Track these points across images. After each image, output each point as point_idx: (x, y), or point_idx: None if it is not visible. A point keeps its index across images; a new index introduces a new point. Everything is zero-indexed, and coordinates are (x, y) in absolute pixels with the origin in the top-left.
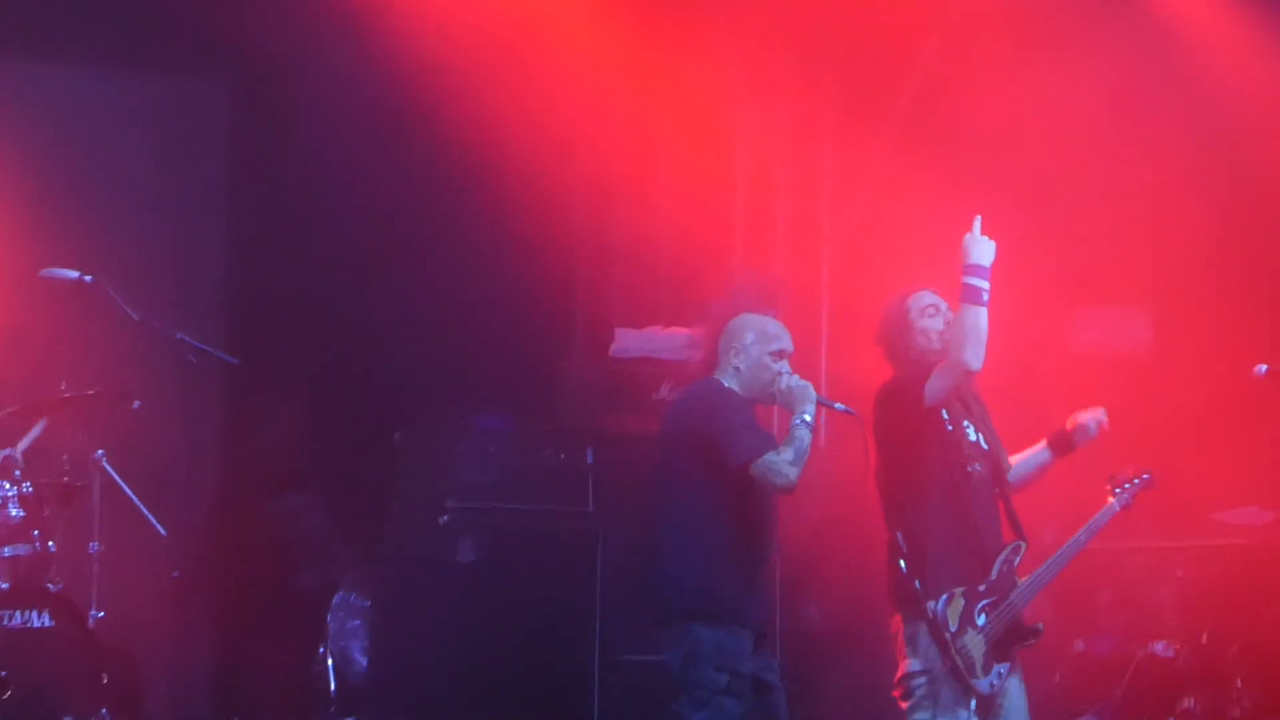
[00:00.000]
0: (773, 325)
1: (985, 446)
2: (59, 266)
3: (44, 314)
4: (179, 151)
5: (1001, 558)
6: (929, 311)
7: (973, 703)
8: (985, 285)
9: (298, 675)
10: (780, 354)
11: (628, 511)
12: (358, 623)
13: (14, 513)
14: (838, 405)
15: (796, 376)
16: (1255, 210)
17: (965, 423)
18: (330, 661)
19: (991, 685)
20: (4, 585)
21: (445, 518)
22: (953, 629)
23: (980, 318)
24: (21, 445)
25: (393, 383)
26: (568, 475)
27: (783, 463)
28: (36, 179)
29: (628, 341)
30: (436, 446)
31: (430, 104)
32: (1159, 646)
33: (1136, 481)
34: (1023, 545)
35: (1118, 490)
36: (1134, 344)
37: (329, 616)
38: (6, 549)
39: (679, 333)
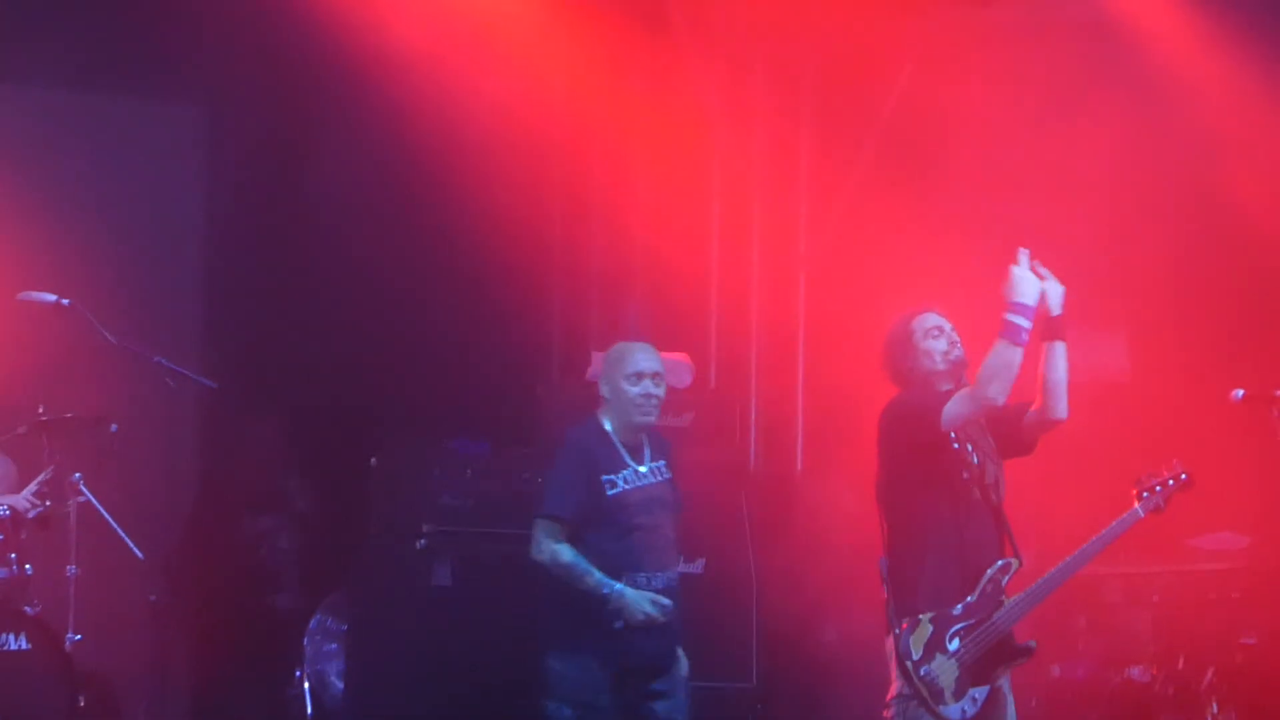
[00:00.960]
0: (626, 348)
1: (977, 461)
2: (36, 290)
3: (21, 337)
4: (157, 176)
5: (987, 577)
6: (933, 333)
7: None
8: (1026, 325)
9: (274, 698)
10: (635, 377)
11: None
12: (334, 646)
13: None
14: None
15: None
16: (1230, 234)
17: (969, 445)
18: (306, 685)
19: (963, 711)
20: None
21: (422, 542)
22: (915, 657)
23: (1015, 356)
24: (26, 493)
25: (368, 406)
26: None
27: (547, 535)
28: (14, 201)
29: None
30: (413, 470)
31: (406, 129)
32: (1135, 671)
33: (1171, 483)
34: (1014, 563)
35: (1145, 494)
36: (1110, 369)
37: (305, 640)
38: None
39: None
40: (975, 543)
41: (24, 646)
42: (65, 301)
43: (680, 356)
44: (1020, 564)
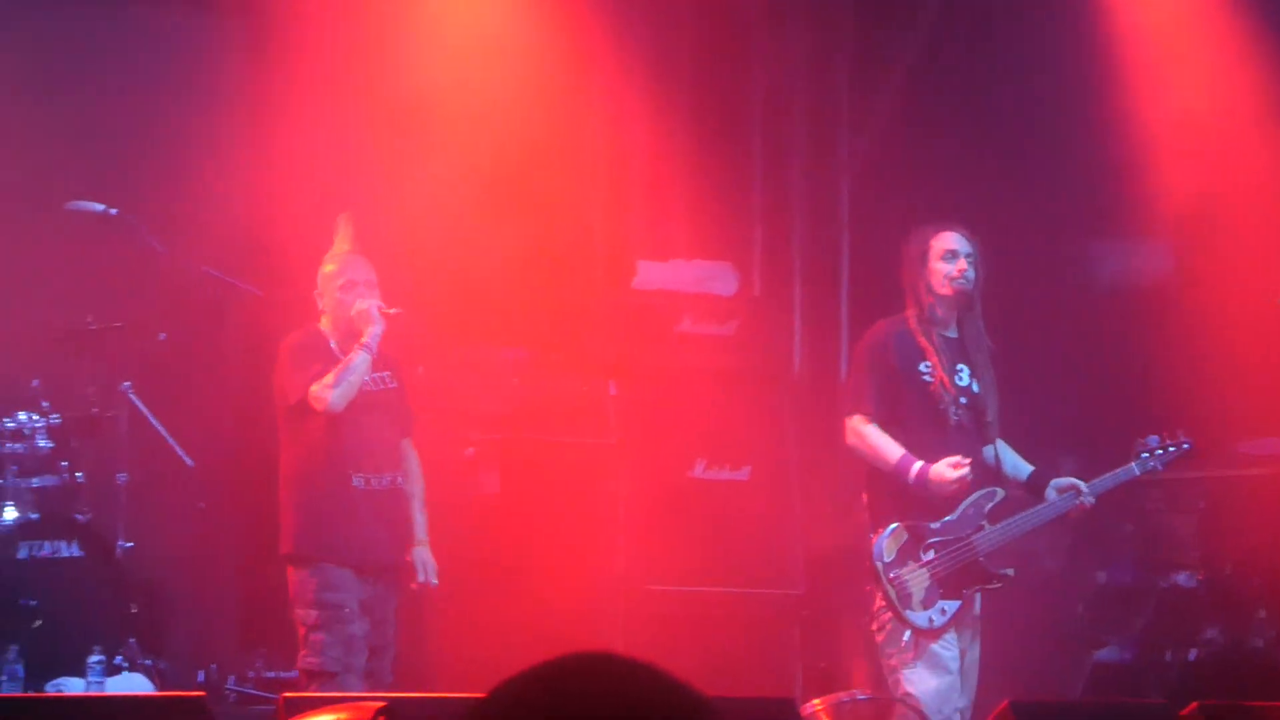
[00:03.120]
0: (334, 262)
1: (978, 390)
2: (85, 199)
3: (70, 247)
4: (201, 84)
5: (970, 500)
6: (946, 255)
7: (906, 634)
8: None
9: None
10: (348, 286)
11: (650, 442)
12: None
13: (41, 444)
14: None
15: (364, 301)
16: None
17: (958, 366)
18: None
19: (930, 620)
20: (33, 516)
21: (470, 450)
22: (887, 559)
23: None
24: None
25: (414, 315)
26: (590, 407)
27: (321, 386)
28: (63, 112)
29: (649, 273)
30: (459, 379)
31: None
32: (1181, 577)
33: (1172, 449)
34: (999, 492)
35: (1144, 455)
36: (1155, 275)
37: None
38: (35, 480)
39: (700, 264)
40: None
41: (76, 553)
42: (113, 211)
43: (724, 264)
44: (1005, 494)
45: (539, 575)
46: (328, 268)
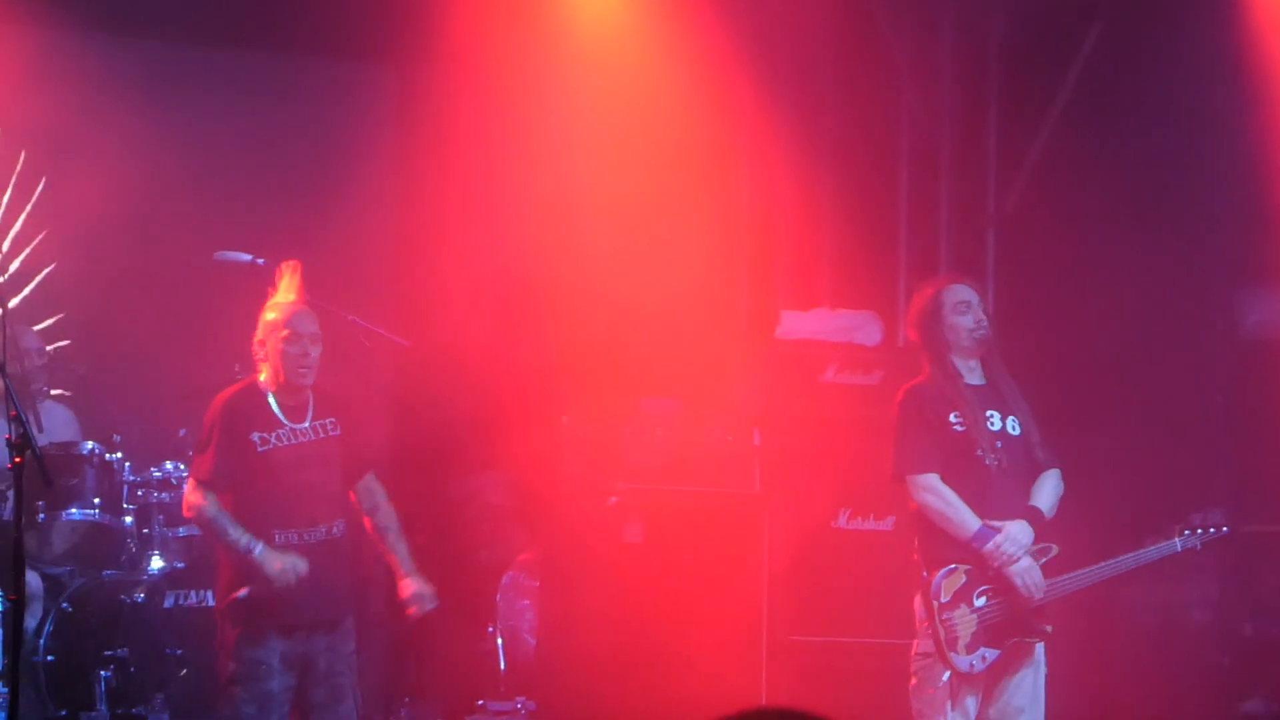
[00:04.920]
0: (280, 310)
1: (1016, 432)
2: (232, 250)
3: (218, 297)
4: (349, 135)
5: (1028, 553)
6: (960, 308)
7: (945, 675)
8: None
9: (468, 652)
10: (292, 338)
11: (794, 493)
12: (526, 602)
13: None
14: None
15: (285, 563)
16: None
17: (989, 413)
18: (500, 640)
19: (971, 665)
20: (179, 564)
21: (614, 499)
22: (943, 600)
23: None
24: None
25: (560, 367)
26: (734, 457)
27: (197, 493)
28: (211, 163)
29: (793, 323)
30: (604, 429)
31: (599, 88)
32: None
33: (1213, 532)
34: (1053, 548)
35: (1187, 532)
36: None
37: (498, 596)
38: (182, 529)
39: (844, 314)
40: (1006, 517)
41: (212, 603)
42: (260, 260)
43: (869, 314)
44: (1058, 550)
45: (682, 625)
46: (270, 315)
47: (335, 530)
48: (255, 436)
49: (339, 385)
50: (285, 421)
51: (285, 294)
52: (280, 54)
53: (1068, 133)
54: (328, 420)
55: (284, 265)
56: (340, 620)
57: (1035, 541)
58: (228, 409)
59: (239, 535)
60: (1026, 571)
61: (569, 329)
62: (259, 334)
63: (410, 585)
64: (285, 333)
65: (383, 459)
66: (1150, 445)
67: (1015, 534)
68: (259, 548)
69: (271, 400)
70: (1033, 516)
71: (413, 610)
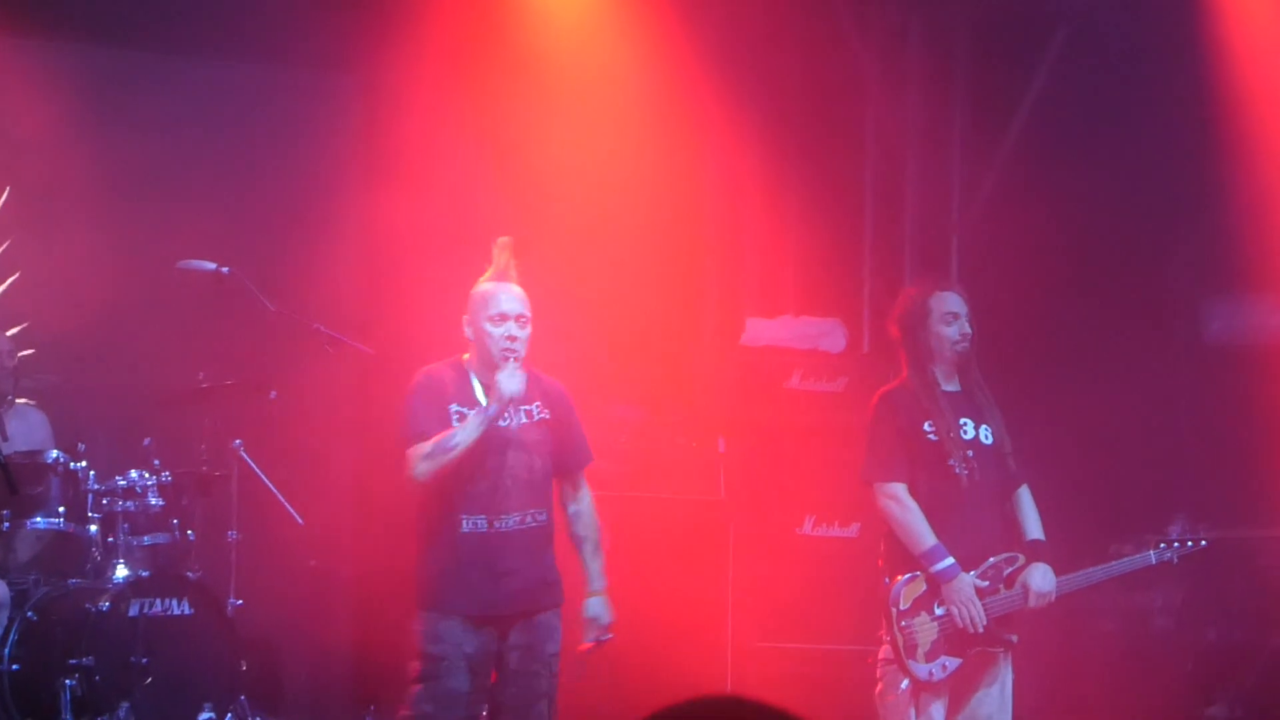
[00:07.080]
0: (488, 289)
1: (989, 442)
2: (196, 258)
3: (182, 306)
4: (316, 143)
5: (990, 563)
6: (948, 318)
7: (904, 683)
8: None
9: None
10: (498, 319)
11: (759, 499)
12: None
13: (153, 501)
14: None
15: (510, 370)
16: None
17: (962, 421)
18: None
19: (930, 674)
20: (144, 573)
21: None
22: (902, 607)
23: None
24: None
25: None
26: (699, 463)
27: (415, 454)
28: (178, 171)
29: (758, 330)
30: None
31: (569, 99)
32: None
33: (1190, 545)
34: (1019, 557)
35: (1163, 545)
36: (1264, 332)
37: None
38: (146, 537)
39: (809, 321)
40: (975, 526)
41: (186, 611)
42: (225, 269)
43: (834, 321)
44: (1024, 560)
45: (647, 631)
46: (481, 288)
47: (532, 520)
48: (454, 409)
49: (549, 368)
50: (484, 402)
51: (497, 269)
52: (247, 62)
53: (1032, 142)
54: (534, 404)
55: (497, 242)
56: (534, 613)
57: (1003, 551)
58: (428, 378)
59: (455, 431)
60: (967, 603)
61: (535, 336)
62: (467, 309)
63: (590, 608)
64: (492, 312)
65: (593, 458)
66: (1114, 452)
67: (1031, 579)
68: (476, 409)
69: (474, 379)
70: (1042, 552)
71: (586, 645)
